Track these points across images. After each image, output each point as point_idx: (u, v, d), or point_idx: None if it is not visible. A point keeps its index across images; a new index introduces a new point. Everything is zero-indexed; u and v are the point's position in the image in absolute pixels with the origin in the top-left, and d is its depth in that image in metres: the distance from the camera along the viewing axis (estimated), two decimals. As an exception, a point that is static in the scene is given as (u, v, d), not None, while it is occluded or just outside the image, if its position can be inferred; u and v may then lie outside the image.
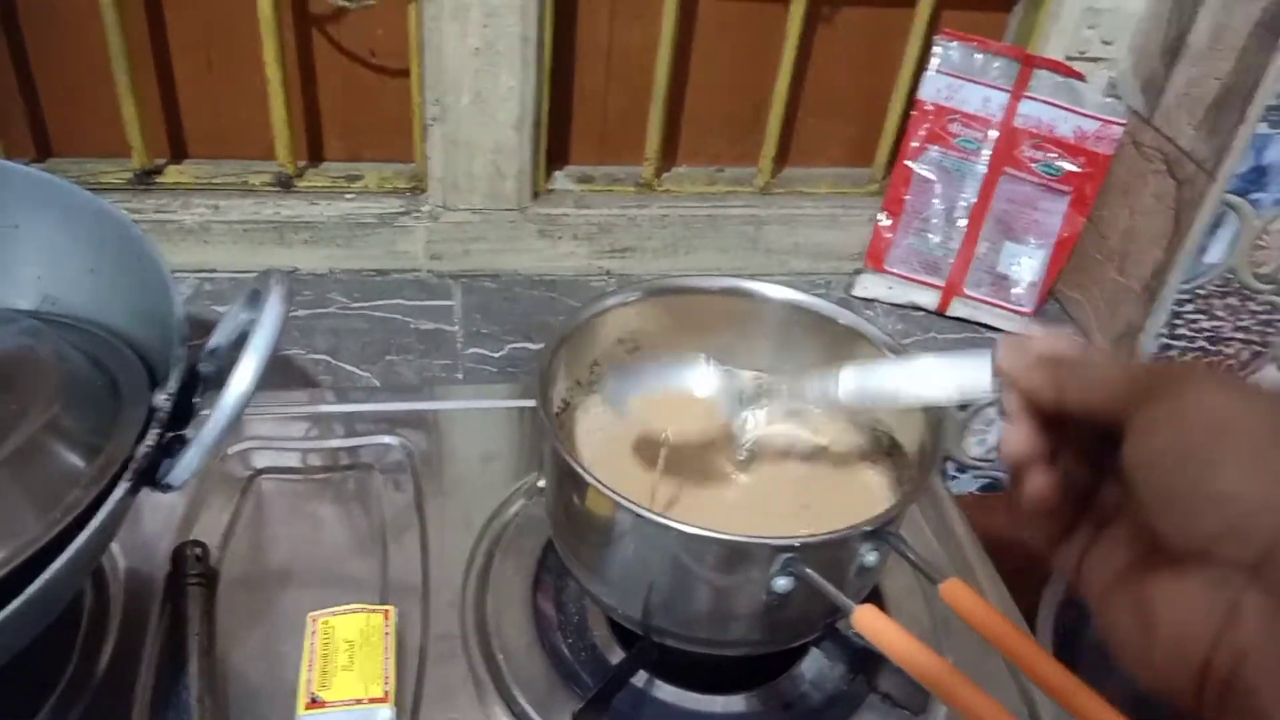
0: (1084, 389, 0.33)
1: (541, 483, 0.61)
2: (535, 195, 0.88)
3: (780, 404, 0.51)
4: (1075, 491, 0.35)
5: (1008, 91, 0.85)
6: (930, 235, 0.91)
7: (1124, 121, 0.85)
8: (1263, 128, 0.75)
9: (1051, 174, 0.87)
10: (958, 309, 0.92)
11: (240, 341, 0.48)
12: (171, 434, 0.49)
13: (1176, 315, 0.84)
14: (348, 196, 0.85)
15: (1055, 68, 0.85)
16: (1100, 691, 0.38)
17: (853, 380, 0.46)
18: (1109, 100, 0.85)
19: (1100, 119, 0.85)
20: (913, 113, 0.88)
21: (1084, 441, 0.35)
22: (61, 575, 0.42)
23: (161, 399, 0.49)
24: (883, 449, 0.60)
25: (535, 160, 0.86)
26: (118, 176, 0.83)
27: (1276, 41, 0.72)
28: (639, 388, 0.55)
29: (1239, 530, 0.28)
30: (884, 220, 0.91)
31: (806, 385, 0.50)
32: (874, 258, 0.92)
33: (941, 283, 0.92)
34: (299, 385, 0.78)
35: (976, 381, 0.39)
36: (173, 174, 0.84)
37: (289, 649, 0.56)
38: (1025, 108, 0.86)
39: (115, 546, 0.62)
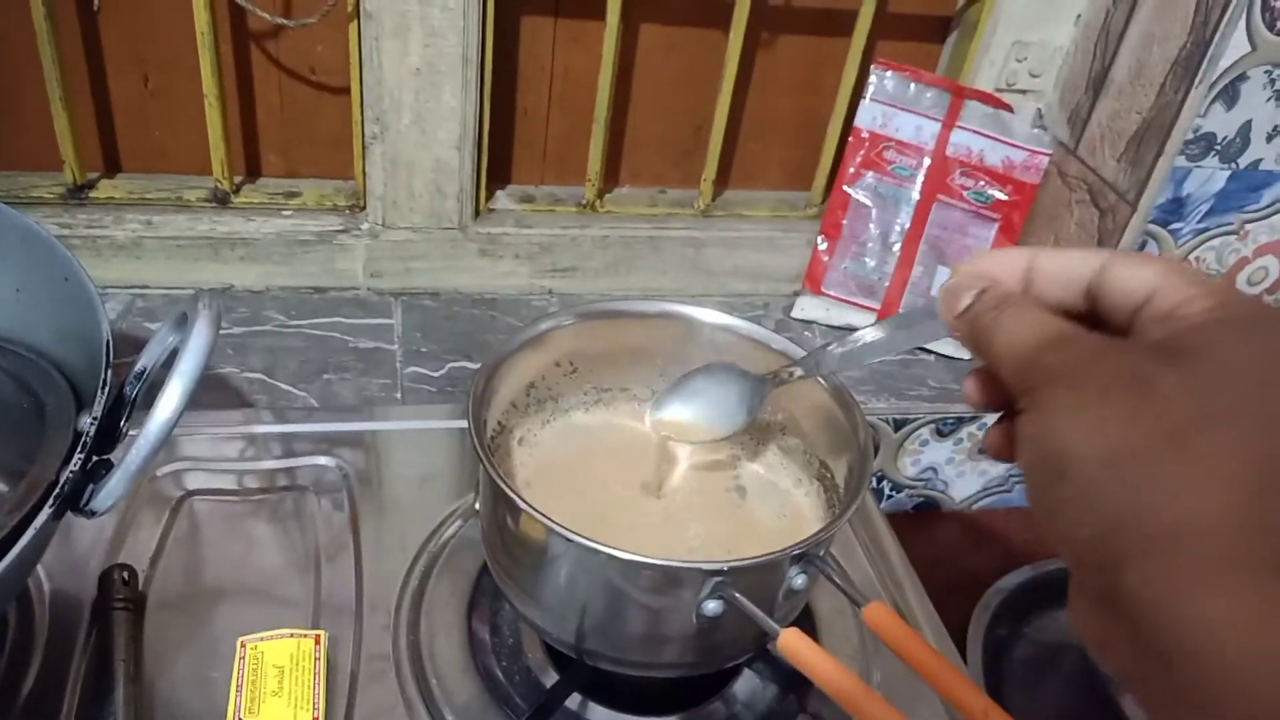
0: (994, 361, 0.32)
1: (478, 505, 0.61)
2: (476, 214, 0.88)
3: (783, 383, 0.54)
4: None
5: (939, 121, 0.88)
6: (866, 259, 0.93)
7: (1050, 152, 0.87)
8: (1181, 160, 0.78)
9: (981, 201, 0.90)
10: (893, 331, 0.94)
11: (169, 362, 0.48)
12: (97, 458, 0.48)
13: (1100, 339, 0.86)
14: (285, 213, 0.85)
15: (985, 99, 0.87)
16: (1024, 709, 0.39)
17: (837, 351, 0.48)
18: (1036, 131, 0.88)
19: (1027, 149, 0.88)
20: (849, 139, 0.90)
21: None
22: (-21, 604, 0.41)
23: (86, 422, 0.49)
24: (814, 472, 0.62)
25: (476, 179, 0.86)
26: (49, 191, 0.82)
27: (1192, 79, 0.75)
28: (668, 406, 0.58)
29: (1082, 566, 0.28)
30: (822, 244, 0.93)
31: (808, 361, 0.53)
32: (812, 280, 0.94)
33: (877, 305, 0.94)
34: (234, 405, 0.77)
35: (932, 332, 0.40)
36: (106, 189, 0.83)
37: (218, 674, 0.55)
38: (956, 137, 0.88)
39: (40, 569, 0.60)
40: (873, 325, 0.45)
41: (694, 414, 0.58)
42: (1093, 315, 0.32)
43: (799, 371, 0.53)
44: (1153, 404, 0.27)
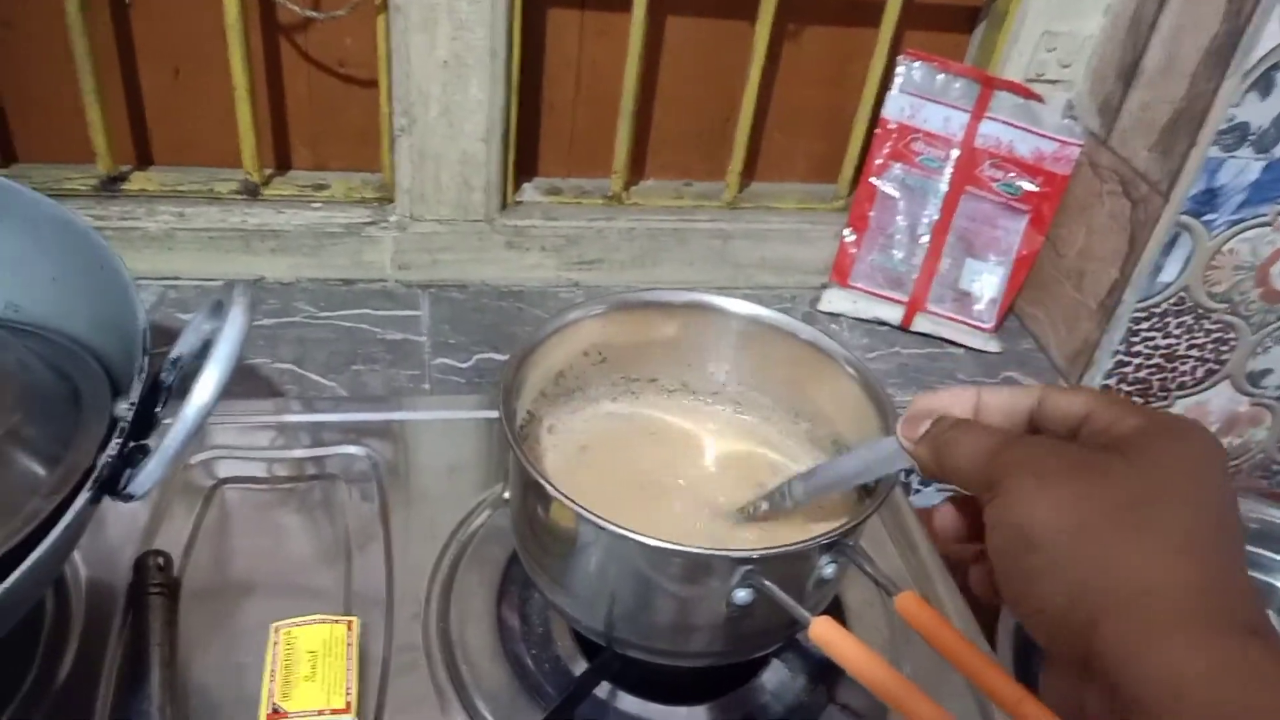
0: (953, 471, 0.37)
1: (507, 494, 0.62)
2: (503, 207, 0.89)
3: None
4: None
5: (968, 112, 0.87)
6: (894, 251, 0.92)
7: (1081, 143, 0.87)
8: (1214, 151, 0.77)
9: (1011, 193, 0.89)
10: (921, 324, 0.93)
11: (203, 351, 0.48)
12: (134, 444, 0.49)
13: (1133, 333, 0.86)
14: (314, 205, 0.85)
15: (1014, 89, 0.87)
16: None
17: (800, 486, 0.52)
18: (1066, 122, 0.87)
19: (1058, 140, 0.87)
20: (876, 131, 0.90)
21: None
22: (22, 585, 0.42)
23: (123, 408, 0.49)
24: (843, 462, 0.61)
25: (503, 172, 0.87)
26: (82, 183, 0.83)
27: (1225, 69, 0.74)
28: None
29: (1054, 638, 0.32)
30: (849, 236, 0.93)
31: (771, 498, 0.55)
32: (839, 273, 0.94)
33: (905, 298, 0.93)
34: (264, 394, 0.78)
35: (892, 462, 0.44)
36: (138, 181, 0.84)
37: (251, 659, 0.56)
38: (985, 128, 0.87)
39: (77, 556, 0.61)
40: (833, 460, 0.48)
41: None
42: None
43: (765, 506, 0.55)
44: (1107, 482, 0.32)
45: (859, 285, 0.94)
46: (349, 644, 0.54)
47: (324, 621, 0.55)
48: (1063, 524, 0.32)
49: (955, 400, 0.39)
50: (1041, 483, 0.33)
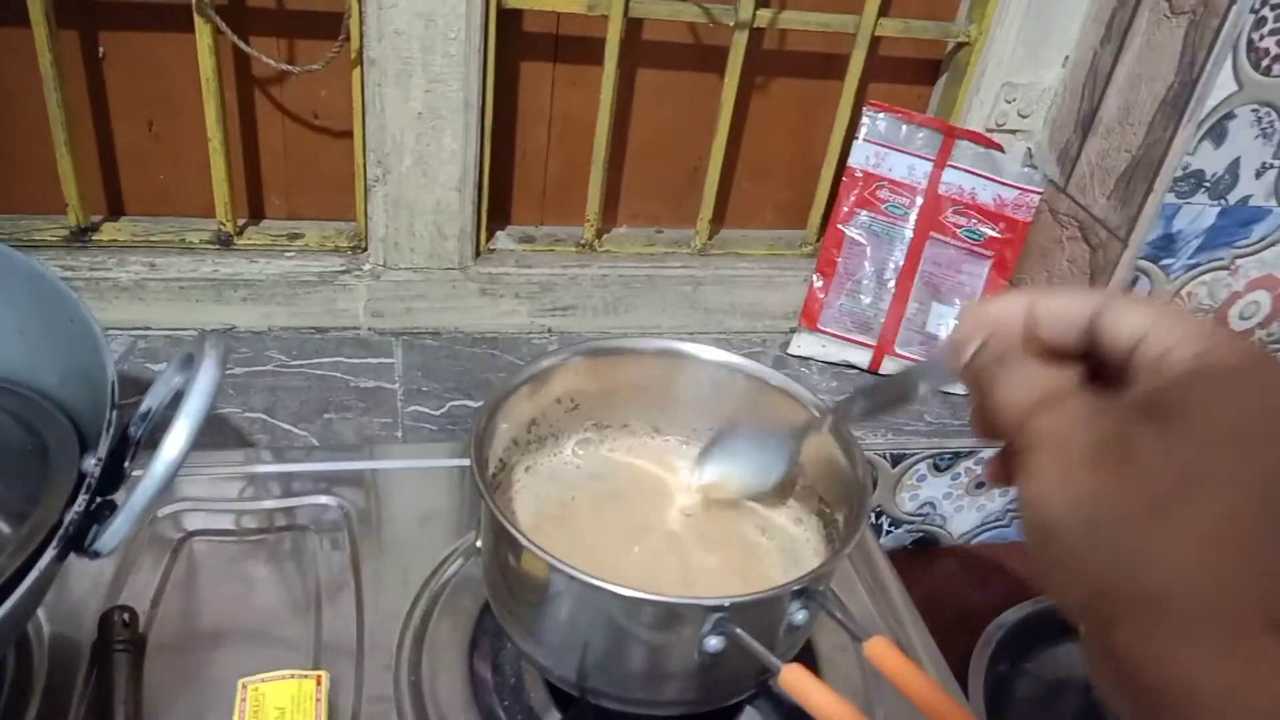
0: (991, 417, 0.34)
1: (479, 543, 0.61)
2: (477, 254, 0.89)
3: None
4: None
5: (931, 160, 0.89)
6: (862, 296, 0.94)
7: (1040, 190, 0.89)
8: (1170, 198, 0.79)
9: (974, 238, 0.91)
10: (889, 367, 0.95)
11: (173, 403, 0.48)
12: (100, 499, 0.48)
13: (1095, 374, 0.87)
14: (288, 254, 0.86)
15: (976, 139, 0.89)
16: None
17: (859, 402, 0.51)
18: (1026, 170, 0.90)
19: (1019, 187, 0.89)
20: (843, 179, 0.91)
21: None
22: (-18, 645, 0.41)
23: (91, 463, 0.49)
24: (813, 507, 0.62)
25: (477, 220, 0.87)
26: (52, 234, 0.83)
27: (1180, 118, 0.76)
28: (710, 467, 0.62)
29: (1078, 622, 0.30)
30: (817, 281, 0.94)
31: (837, 412, 0.54)
32: (808, 317, 0.95)
33: (873, 341, 0.94)
34: (235, 445, 0.77)
35: (940, 379, 0.41)
36: (109, 231, 0.84)
37: (219, 716, 0.55)
38: (949, 176, 0.89)
39: (40, 611, 0.60)
40: (885, 378, 0.46)
41: (736, 472, 0.61)
42: (1092, 355, 0.33)
43: (828, 423, 0.55)
44: (1133, 471, 0.29)
45: (828, 329, 0.95)
46: (318, 700, 0.53)
47: (293, 677, 0.54)
48: (1080, 519, 0.29)
49: (1007, 311, 0.35)
50: (1065, 467, 0.30)
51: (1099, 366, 0.33)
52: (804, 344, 0.95)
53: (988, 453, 0.91)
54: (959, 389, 0.94)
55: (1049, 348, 0.34)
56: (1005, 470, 0.35)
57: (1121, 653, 0.28)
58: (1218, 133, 0.76)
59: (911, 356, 0.94)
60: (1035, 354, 0.34)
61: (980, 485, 0.93)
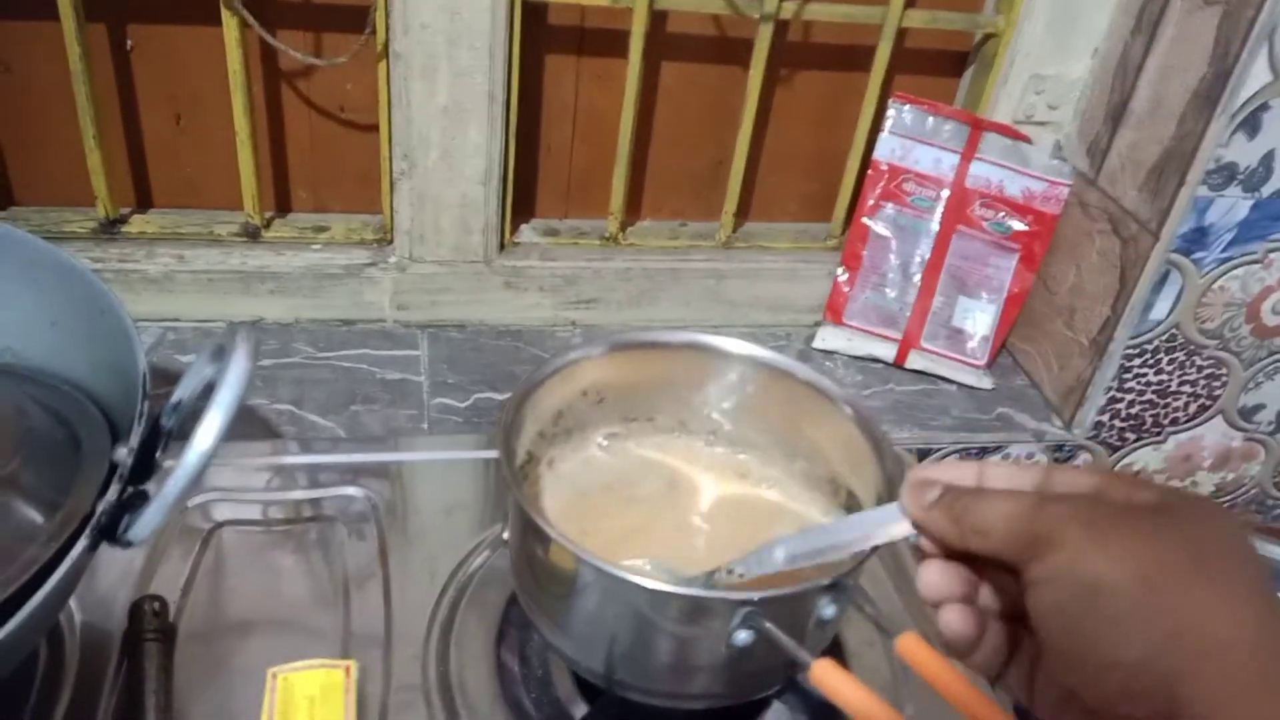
0: (980, 534, 0.35)
1: (506, 534, 0.62)
2: (501, 248, 0.89)
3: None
4: (1008, 616, 0.37)
5: (958, 153, 0.89)
6: (887, 290, 0.93)
7: (1070, 183, 0.88)
8: (1203, 190, 0.78)
9: (1001, 232, 0.90)
10: (915, 361, 0.94)
11: (204, 395, 0.48)
12: (132, 489, 0.49)
13: (1125, 369, 0.86)
14: (314, 247, 0.86)
15: (1003, 131, 0.88)
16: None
17: (782, 551, 0.48)
18: (1055, 162, 0.89)
19: (1047, 180, 0.88)
20: (869, 172, 0.91)
21: (1001, 575, 0.36)
22: (18, 633, 0.42)
23: (123, 454, 0.49)
24: (840, 502, 0.61)
25: (501, 214, 0.87)
26: (81, 226, 0.83)
27: (1213, 110, 0.75)
28: None
29: (1130, 693, 0.30)
30: (842, 275, 0.94)
31: (747, 561, 0.50)
32: (833, 311, 0.94)
33: (899, 336, 0.94)
34: (262, 436, 0.78)
35: (890, 529, 0.40)
36: (138, 224, 0.85)
37: (248, 705, 0.55)
38: (976, 168, 0.89)
39: (72, 601, 0.61)
40: (824, 526, 0.46)
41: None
42: None
43: (739, 571, 0.50)
44: (1163, 536, 0.31)
45: (853, 323, 0.94)
46: (346, 689, 0.54)
47: (322, 666, 0.55)
48: (1132, 574, 0.31)
49: (958, 472, 0.38)
50: (1099, 534, 0.32)
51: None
52: (829, 338, 0.95)
53: (1015, 449, 0.90)
54: (979, 382, 0.93)
55: None
56: (973, 620, 0.36)
57: (1190, 706, 0.29)
58: (1251, 124, 0.75)
59: (937, 350, 0.93)
60: None
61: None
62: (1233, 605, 0.30)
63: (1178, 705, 0.29)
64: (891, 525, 0.40)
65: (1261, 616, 0.30)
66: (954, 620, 0.36)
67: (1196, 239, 0.80)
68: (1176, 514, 0.32)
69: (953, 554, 0.37)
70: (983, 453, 0.89)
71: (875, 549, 0.48)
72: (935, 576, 0.37)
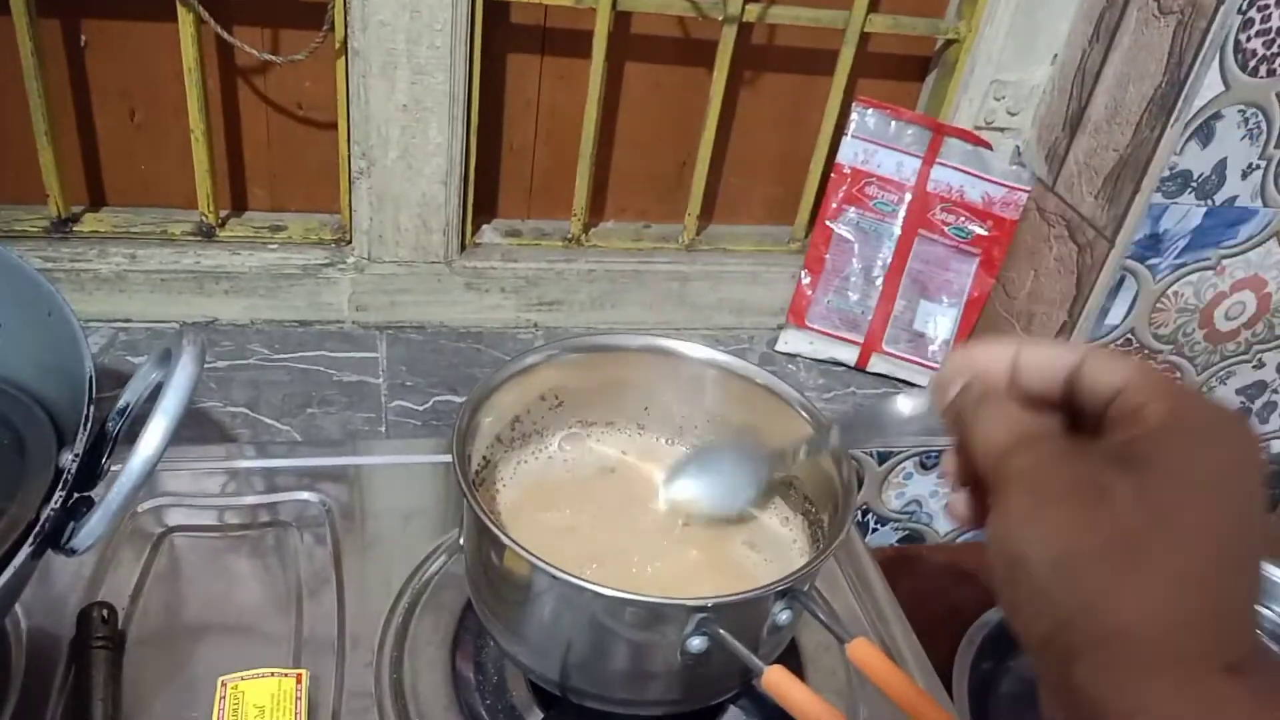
0: (971, 453, 0.35)
1: (463, 540, 0.61)
2: (463, 248, 0.89)
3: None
4: None
5: (920, 157, 0.89)
6: (850, 293, 0.94)
7: (1028, 188, 0.89)
8: (1157, 197, 0.79)
9: (962, 236, 0.91)
10: (877, 364, 0.94)
11: (152, 398, 0.48)
12: (78, 495, 0.48)
13: (1081, 373, 0.87)
14: (271, 246, 0.85)
15: (964, 136, 0.89)
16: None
17: (836, 431, 0.50)
18: (1014, 168, 0.89)
19: (1006, 185, 0.89)
20: (832, 175, 0.91)
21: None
22: (-45, 644, 0.41)
23: (68, 459, 0.48)
24: (798, 506, 0.62)
25: (462, 214, 0.87)
26: (32, 224, 0.82)
27: (1167, 118, 0.76)
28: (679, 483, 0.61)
29: (1038, 662, 0.31)
30: (805, 278, 0.94)
31: (815, 441, 0.53)
32: (796, 314, 0.95)
33: (861, 339, 0.94)
34: (216, 439, 0.76)
35: (923, 418, 0.41)
36: (90, 222, 0.83)
37: (198, 714, 0.55)
38: (937, 173, 0.89)
39: (18, 607, 0.59)
40: (873, 404, 0.46)
41: (704, 491, 0.60)
42: (1070, 405, 0.35)
43: (804, 450, 0.54)
44: (1105, 511, 0.30)
45: (815, 326, 0.95)
46: (297, 698, 0.53)
47: (273, 675, 0.54)
48: (1048, 556, 0.30)
49: (992, 358, 0.36)
50: (1038, 503, 0.31)
51: (1076, 417, 0.35)
52: (791, 341, 0.95)
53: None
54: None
55: (1030, 395, 0.35)
56: (973, 510, 0.37)
57: (1081, 688, 0.29)
58: (1205, 133, 0.76)
59: (899, 354, 0.94)
60: (1017, 399, 0.35)
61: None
62: (1150, 588, 0.29)
63: (1070, 685, 0.30)
64: (924, 416, 0.40)
65: (1180, 597, 0.29)
66: (959, 506, 0.37)
67: (1151, 245, 0.81)
68: (1159, 458, 0.31)
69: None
70: (942, 456, 0.90)
71: (826, 542, 0.49)
72: (959, 506, 0.37)
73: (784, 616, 0.50)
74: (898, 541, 0.97)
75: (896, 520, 0.95)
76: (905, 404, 0.44)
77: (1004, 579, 0.32)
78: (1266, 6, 0.71)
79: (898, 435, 0.48)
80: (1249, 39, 0.72)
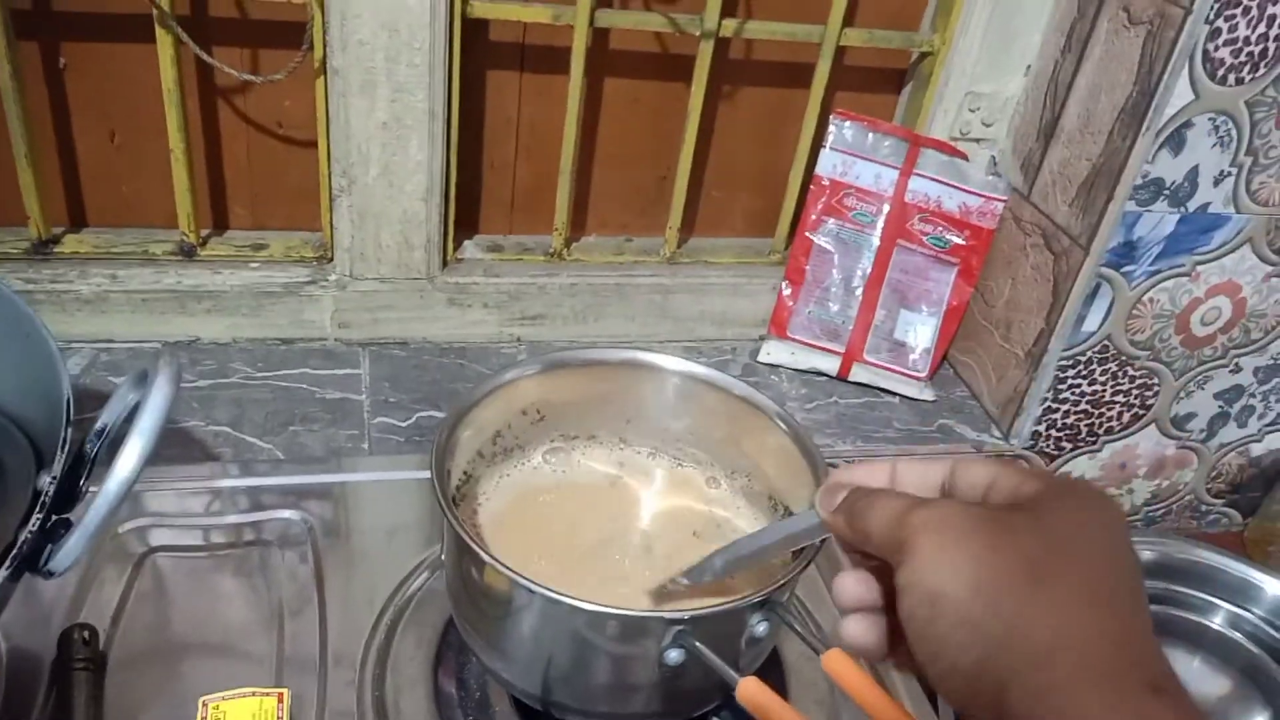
0: (865, 537, 0.37)
1: (445, 556, 0.61)
2: (444, 264, 0.89)
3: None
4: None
5: (898, 169, 0.90)
6: (830, 304, 0.94)
7: (1004, 198, 0.90)
8: (1131, 205, 0.80)
9: (940, 246, 0.91)
10: (858, 374, 0.95)
11: (130, 419, 0.48)
12: (55, 518, 0.48)
13: (1060, 380, 0.88)
14: (253, 265, 0.85)
15: (941, 147, 0.90)
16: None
17: (720, 560, 0.51)
18: (990, 178, 0.90)
19: (983, 195, 0.90)
20: (811, 187, 0.92)
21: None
22: (-68, 669, 0.41)
23: (46, 481, 0.48)
24: (778, 517, 0.62)
25: (444, 230, 0.87)
26: (13, 246, 0.82)
27: (1139, 127, 0.77)
28: None
29: (972, 695, 0.32)
30: (786, 289, 0.95)
31: (692, 572, 0.53)
32: (777, 325, 0.95)
33: (842, 349, 0.95)
34: (199, 458, 0.76)
35: (810, 533, 0.44)
36: (71, 243, 0.83)
37: (179, 734, 0.55)
38: (914, 184, 0.90)
39: (-3, 630, 0.60)
40: (753, 533, 0.50)
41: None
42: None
43: (685, 582, 0.53)
44: (1013, 538, 0.33)
45: (797, 337, 0.95)
46: (279, 717, 0.53)
47: (254, 694, 0.54)
48: (967, 583, 0.32)
49: (871, 473, 0.40)
50: (947, 541, 0.33)
51: None
52: (773, 351, 0.96)
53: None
54: (919, 394, 0.95)
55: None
56: (874, 583, 0.38)
57: (1015, 715, 0.30)
58: (1176, 141, 0.77)
59: (880, 363, 0.95)
60: None
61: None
62: (1067, 607, 0.31)
63: (1008, 709, 0.30)
64: (811, 529, 0.43)
65: (1096, 616, 0.31)
66: (854, 630, 0.39)
67: (1126, 253, 0.82)
68: (1043, 511, 0.34)
69: (870, 558, 0.39)
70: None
71: (803, 551, 0.50)
72: (849, 584, 0.39)
73: (762, 628, 0.51)
74: (882, 550, 0.98)
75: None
76: (796, 522, 0.46)
77: (925, 619, 0.33)
78: (1233, 16, 0.72)
79: (776, 555, 0.52)
80: (1216, 48, 0.73)
